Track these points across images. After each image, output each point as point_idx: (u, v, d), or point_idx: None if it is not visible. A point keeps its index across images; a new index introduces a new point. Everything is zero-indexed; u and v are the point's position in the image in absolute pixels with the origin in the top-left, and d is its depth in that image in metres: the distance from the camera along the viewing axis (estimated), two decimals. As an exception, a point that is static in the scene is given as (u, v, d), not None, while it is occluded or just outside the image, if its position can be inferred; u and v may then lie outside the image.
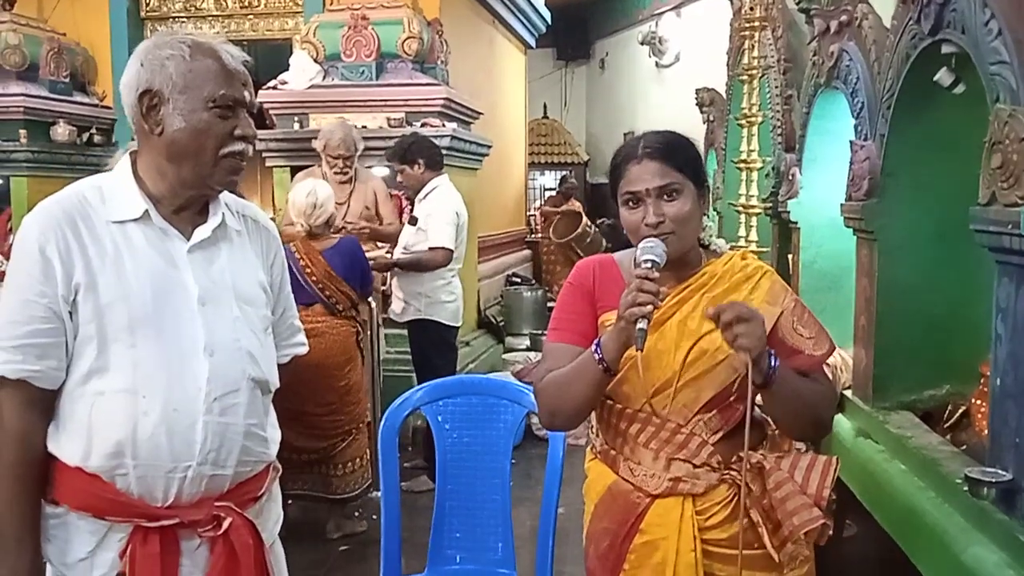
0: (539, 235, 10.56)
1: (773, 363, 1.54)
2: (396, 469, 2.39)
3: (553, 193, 11.51)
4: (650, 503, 1.66)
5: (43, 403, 1.46)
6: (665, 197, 1.61)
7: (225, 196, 1.61)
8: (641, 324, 1.49)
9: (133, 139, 1.62)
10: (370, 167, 5.04)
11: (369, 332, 4.40)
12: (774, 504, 1.60)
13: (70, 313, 1.44)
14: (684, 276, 1.68)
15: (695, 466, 1.64)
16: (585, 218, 9.81)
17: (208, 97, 1.47)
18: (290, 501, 3.55)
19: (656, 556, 1.64)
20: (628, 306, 1.50)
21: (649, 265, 1.54)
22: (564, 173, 12.01)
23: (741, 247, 3.38)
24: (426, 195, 4.50)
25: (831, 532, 1.61)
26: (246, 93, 1.53)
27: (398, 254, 4.56)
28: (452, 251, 4.44)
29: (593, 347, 1.60)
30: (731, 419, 1.64)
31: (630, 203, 1.64)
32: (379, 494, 2.45)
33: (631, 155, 1.65)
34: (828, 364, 2.69)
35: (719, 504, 1.64)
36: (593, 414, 1.76)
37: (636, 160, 1.63)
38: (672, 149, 1.64)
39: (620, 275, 1.73)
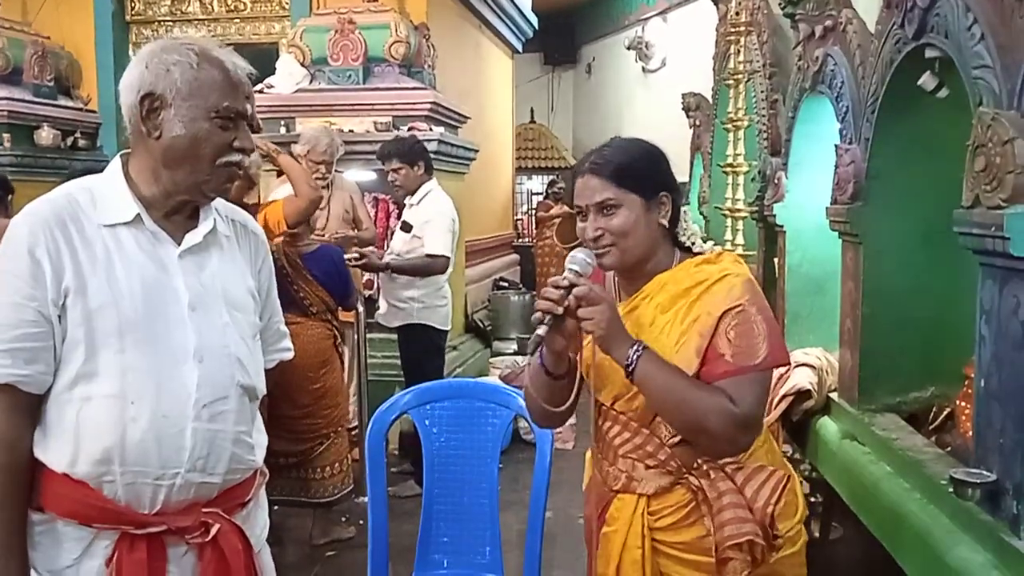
0: (532, 239, 10.53)
1: (634, 349, 1.56)
2: (383, 474, 2.38)
3: (542, 198, 11.52)
4: (613, 496, 1.74)
5: (30, 408, 1.44)
6: (604, 211, 1.65)
7: (215, 201, 1.60)
8: (539, 330, 1.55)
9: (118, 143, 1.61)
10: (341, 172, 5.00)
11: (356, 337, 4.39)
12: (712, 514, 1.63)
13: (59, 317, 1.42)
14: (641, 286, 1.71)
15: (648, 467, 1.69)
16: None
17: (211, 107, 1.47)
18: (276, 507, 3.53)
19: (608, 547, 1.72)
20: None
21: (566, 274, 1.58)
22: (552, 177, 12.01)
23: (727, 248, 3.40)
24: (419, 200, 4.49)
25: (775, 551, 1.62)
26: (248, 106, 1.53)
27: (389, 260, 4.55)
28: (450, 259, 4.44)
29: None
30: None
31: (579, 215, 1.69)
32: (365, 499, 2.44)
33: (578, 169, 1.71)
34: (805, 384, 2.73)
35: (672, 507, 1.68)
36: None
37: (580, 175, 1.69)
38: (612, 166, 1.65)
39: (607, 284, 1.80)
